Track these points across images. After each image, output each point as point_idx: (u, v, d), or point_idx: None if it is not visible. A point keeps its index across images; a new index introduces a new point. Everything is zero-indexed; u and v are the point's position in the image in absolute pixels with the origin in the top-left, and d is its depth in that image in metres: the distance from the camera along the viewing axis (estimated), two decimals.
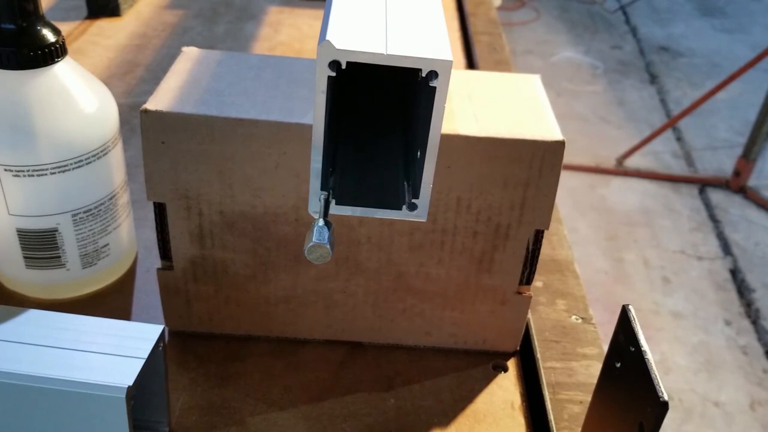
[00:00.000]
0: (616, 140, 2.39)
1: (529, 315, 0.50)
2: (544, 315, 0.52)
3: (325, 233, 0.32)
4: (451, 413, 0.44)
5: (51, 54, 0.43)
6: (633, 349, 0.34)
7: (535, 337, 0.49)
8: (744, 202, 2.17)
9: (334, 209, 0.34)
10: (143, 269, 0.52)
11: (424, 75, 0.29)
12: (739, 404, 1.55)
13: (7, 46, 0.42)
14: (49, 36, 0.43)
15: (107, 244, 0.49)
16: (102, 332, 0.36)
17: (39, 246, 0.46)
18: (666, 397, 0.31)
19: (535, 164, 0.41)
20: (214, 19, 0.93)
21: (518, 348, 0.48)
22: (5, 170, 0.43)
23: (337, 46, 0.29)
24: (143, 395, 0.38)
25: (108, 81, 0.76)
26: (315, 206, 0.33)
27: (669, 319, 1.74)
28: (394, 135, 0.39)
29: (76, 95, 0.44)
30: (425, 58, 0.29)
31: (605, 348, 0.42)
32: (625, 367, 0.36)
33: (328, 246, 0.32)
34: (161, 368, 0.37)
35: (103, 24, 0.89)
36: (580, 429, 0.43)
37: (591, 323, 0.52)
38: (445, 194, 0.42)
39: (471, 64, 0.87)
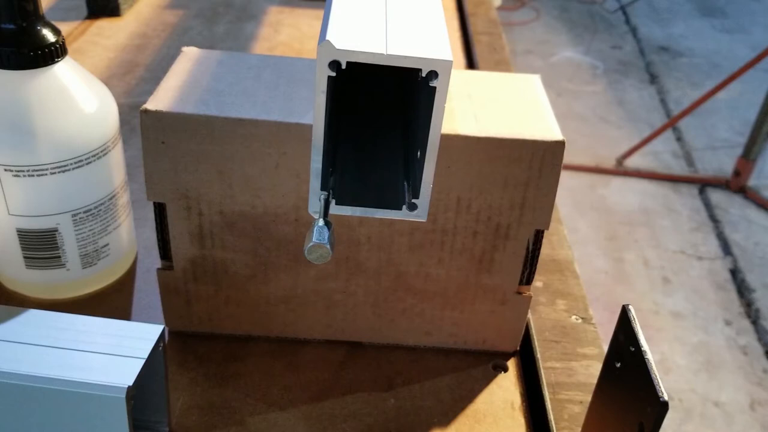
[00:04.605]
0: (616, 140, 2.39)
1: (529, 315, 0.50)
2: (544, 315, 0.52)
3: (325, 233, 0.32)
4: (451, 413, 0.44)
5: (51, 54, 0.43)
6: (633, 349, 0.34)
7: (535, 337, 0.49)
8: (744, 202, 2.17)
9: (334, 209, 0.34)
10: (143, 269, 0.52)
11: (424, 75, 0.29)
12: (739, 404, 1.55)
13: (7, 46, 0.42)
14: (49, 36, 0.43)
15: (107, 244, 0.49)
16: (102, 332, 0.36)
17: (39, 246, 0.46)
18: (666, 397, 0.31)
19: (535, 164, 0.41)
20: (214, 19, 0.93)
21: (518, 348, 0.48)
22: (5, 170, 0.43)
23: (337, 46, 0.29)
24: (143, 395, 0.38)
25: (108, 81, 0.76)
26: (315, 206, 0.33)
27: (669, 319, 1.74)
28: (394, 135, 0.39)
29: (76, 95, 0.44)
30: (425, 58, 0.29)
31: (605, 348, 0.42)
32: (625, 367, 0.36)
33: (328, 246, 0.32)
34: (161, 368, 0.37)
35: (103, 24, 0.89)
36: (580, 429, 0.43)
37: (591, 323, 0.52)
38: (445, 194, 0.42)
39: (471, 64, 0.87)
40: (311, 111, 0.33)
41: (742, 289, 1.86)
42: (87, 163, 0.45)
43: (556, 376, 0.47)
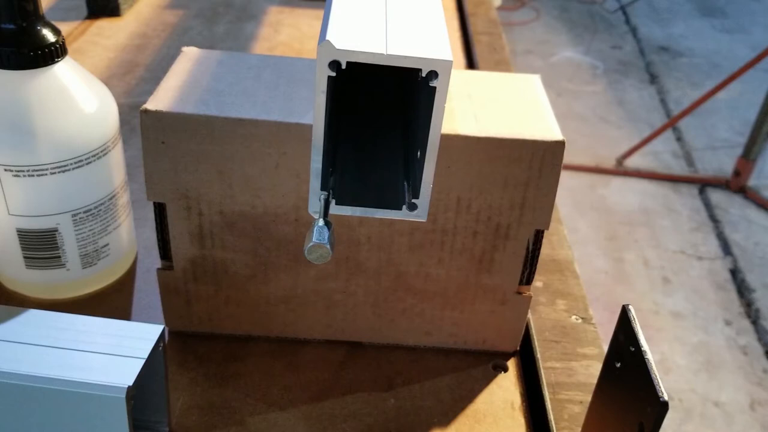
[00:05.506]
0: (616, 140, 2.39)
1: (529, 315, 0.50)
2: (544, 315, 0.52)
3: (325, 233, 0.32)
4: (451, 413, 0.44)
5: (51, 54, 0.43)
6: (633, 349, 0.34)
7: (535, 337, 0.49)
8: (744, 202, 2.17)
9: (334, 209, 0.34)
10: (143, 269, 0.52)
11: (424, 75, 0.29)
12: (739, 404, 1.55)
13: (7, 46, 0.42)
14: (49, 36, 0.43)
15: (107, 244, 0.49)
16: (102, 332, 0.36)
17: (39, 246, 0.46)
18: (666, 397, 0.31)
19: (535, 164, 0.41)
20: (214, 19, 0.93)
21: (518, 348, 0.48)
22: (5, 170, 0.43)
23: (337, 46, 0.29)
24: (143, 395, 0.38)
25: (108, 81, 0.76)
26: (315, 206, 0.33)
27: (669, 319, 1.74)
28: (394, 135, 0.39)
29: (76, 95, 0.44)
30: (425, 58, 0.29)
31: (605, 348, 0.42)
32: (625, 367, 0.36)
33: (328, 246, 0.32)
34: (161, 368, 0.37)
35: (103, 24, 0.89)
36: (580, 429, 0.43)
37: (591, 323, 0.52)
38: (445, 194, 0.42)
39: (471, 64, 0.87)
40: (311, 111, 0.33)
41: (742, 289, 1.86)
42: (87, 163, 0.45)
43: (556, 376, 0.47)
